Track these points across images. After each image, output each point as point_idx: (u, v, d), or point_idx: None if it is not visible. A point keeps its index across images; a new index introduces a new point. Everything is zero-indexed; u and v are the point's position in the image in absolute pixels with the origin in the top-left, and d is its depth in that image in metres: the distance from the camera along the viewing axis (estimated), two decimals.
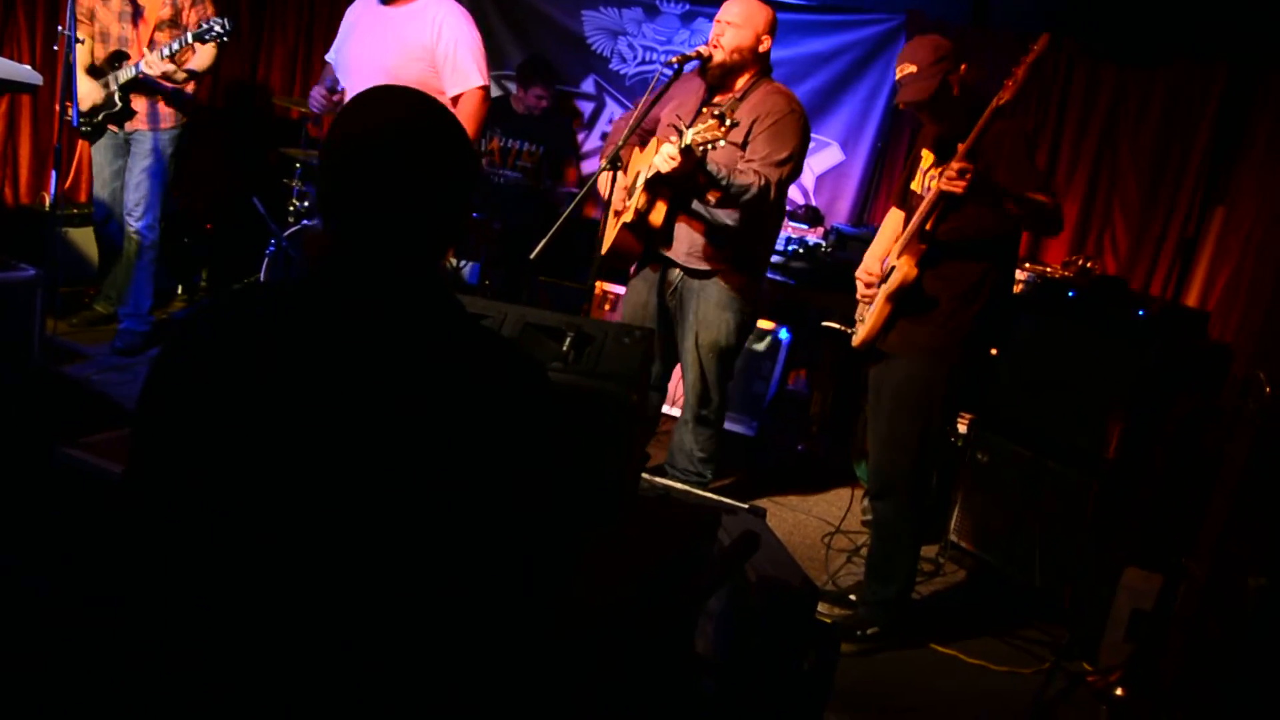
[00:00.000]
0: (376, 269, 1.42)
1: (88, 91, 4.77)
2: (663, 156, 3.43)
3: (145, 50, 4.69)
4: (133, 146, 4.91)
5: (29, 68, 4.06)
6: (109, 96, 4.78)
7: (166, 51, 4.59)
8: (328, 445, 1.32)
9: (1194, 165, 5.11)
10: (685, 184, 3.58)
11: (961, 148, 3.06)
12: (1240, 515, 2.84)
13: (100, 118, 4.82)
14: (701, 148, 3.32)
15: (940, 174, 3.03)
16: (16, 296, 3.53)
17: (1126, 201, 5.35)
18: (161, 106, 4.88)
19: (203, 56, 4.80)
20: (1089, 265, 4.45)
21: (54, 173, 4.54)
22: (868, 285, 3.45)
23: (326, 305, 1.40)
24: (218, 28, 4.50)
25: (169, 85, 4.80)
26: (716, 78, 3.75)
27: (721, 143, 3.32)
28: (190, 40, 4.54)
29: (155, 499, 1.39)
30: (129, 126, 4.88)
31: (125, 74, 4.72)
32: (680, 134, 3.37)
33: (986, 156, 3.11)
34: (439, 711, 1.36)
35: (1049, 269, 4.38)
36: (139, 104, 4.83)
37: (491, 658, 1.39)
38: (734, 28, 3.69)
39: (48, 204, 5.25)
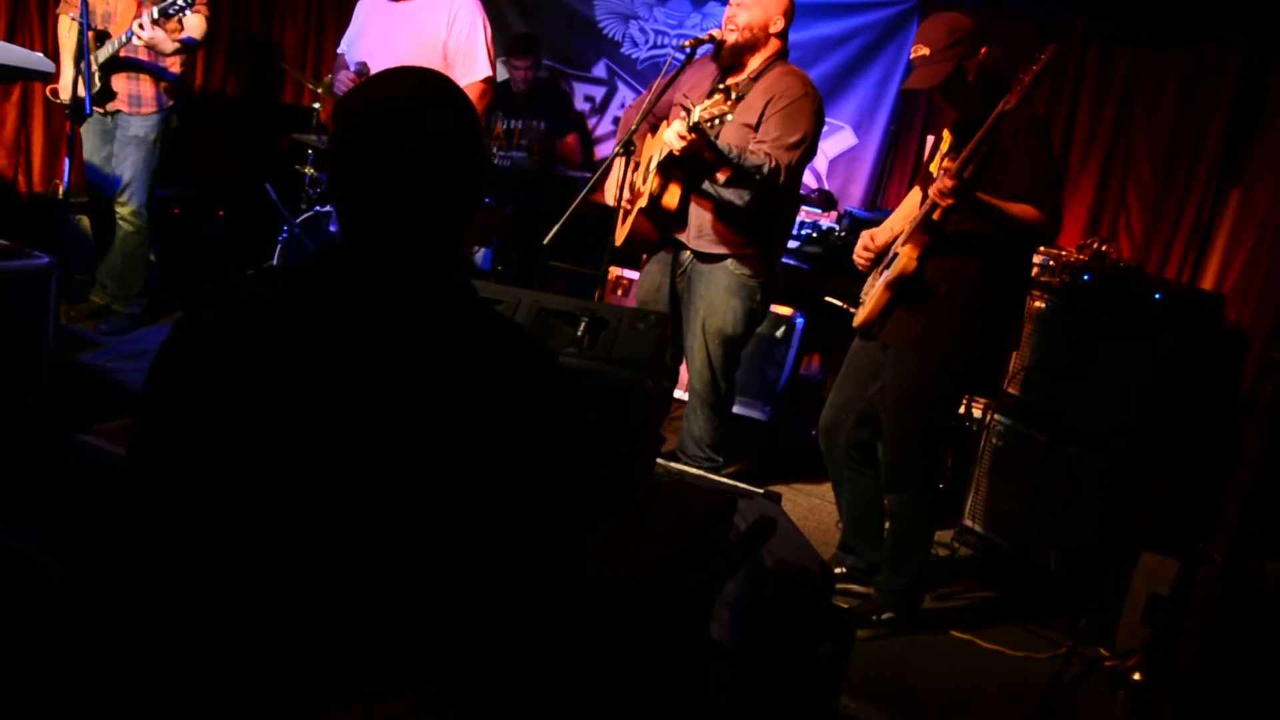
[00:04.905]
0: (379, 251, 1.40)
1: (72, 75, 4.66)
2: (672, 134, 3.42)
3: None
4: (117, 131, 4.86)
5: (41, 55, 4.06)
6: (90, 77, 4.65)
7: (138, 28, 4.43)
8: (329, 430, 1.32)
9: (1209, 148, 5.06)
10: (696, 163, 3.56)
11: (952, 164, 3.00)
12: (1260, 499, 2.83)
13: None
14: (709, 123, 3.31)
15: (938, 175, 2.99)
16: (32, 284, 3.53)
17: (1141, 185, 5.30)
18: (143, 89, 4.81)
19: (190, 30, 4.68)
20: (1103, 249, 4.41)
21: (66, 160, 4.51)
22: (865, 248, 3.44)
23: (330, 288, 1.39)
24: (180, 1, 4.36)
25: (151, 61, 4.71)
26: (730, 59, 3.73)
27: (729, 117, 3.31)
28: (156, 15, 4.39)
29: (158, 477, 1.39)
30: (110, 107, 4.80)
31: (104, 52, 4.64)
32: (688, 113, 3.36)
33: (1003, 147, 3.05)
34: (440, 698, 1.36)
35: (1063, 252, 4.35)
36: (119, 85, 4.76)
37: (495, 648, 1.38)
38: (744, 8, 3.68)
39: (61, 192, 5.23)
